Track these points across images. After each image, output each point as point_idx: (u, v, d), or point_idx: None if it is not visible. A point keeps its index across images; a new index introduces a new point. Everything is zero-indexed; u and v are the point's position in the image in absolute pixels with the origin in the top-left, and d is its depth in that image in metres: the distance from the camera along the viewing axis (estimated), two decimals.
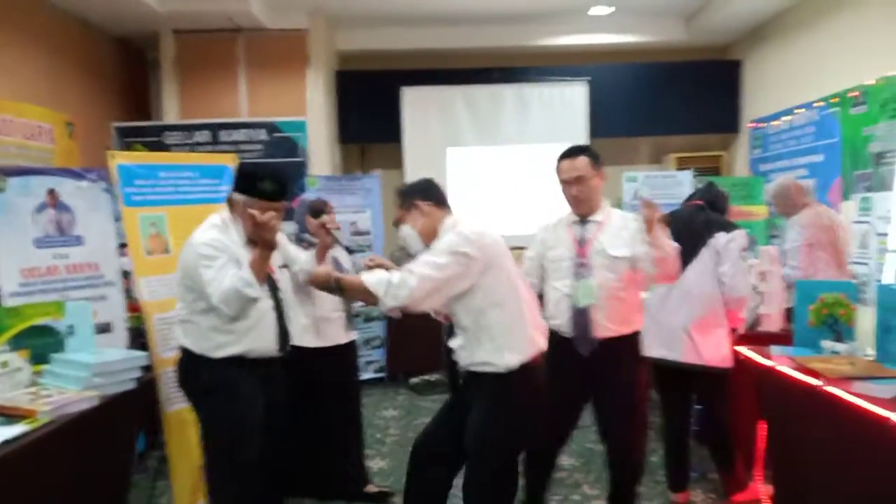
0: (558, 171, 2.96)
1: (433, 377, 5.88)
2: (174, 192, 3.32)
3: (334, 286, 2.45)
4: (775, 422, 3.07)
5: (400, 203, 2.60)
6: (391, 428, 4.83)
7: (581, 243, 2.90)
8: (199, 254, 2.53)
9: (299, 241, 3.55)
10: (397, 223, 2.62)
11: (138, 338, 3.40)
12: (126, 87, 7.14)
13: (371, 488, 3.69)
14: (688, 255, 3.34)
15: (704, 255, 3.29)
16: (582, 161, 2.89)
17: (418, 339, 5.79)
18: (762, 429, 3.25)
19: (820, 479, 2.67)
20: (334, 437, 3.55)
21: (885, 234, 4.34)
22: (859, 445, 2.37)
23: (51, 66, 5.79)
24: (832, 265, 4.22)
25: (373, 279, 2.36)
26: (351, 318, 3.64)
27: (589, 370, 2.87)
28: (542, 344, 2.55)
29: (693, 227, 3.34)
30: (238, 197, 2.65)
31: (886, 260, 4.13)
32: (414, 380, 5.90)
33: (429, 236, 2.52)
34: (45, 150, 5.39)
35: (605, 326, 2.83)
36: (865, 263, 4.81)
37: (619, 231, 2.88)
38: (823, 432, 2.58)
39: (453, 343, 2.57)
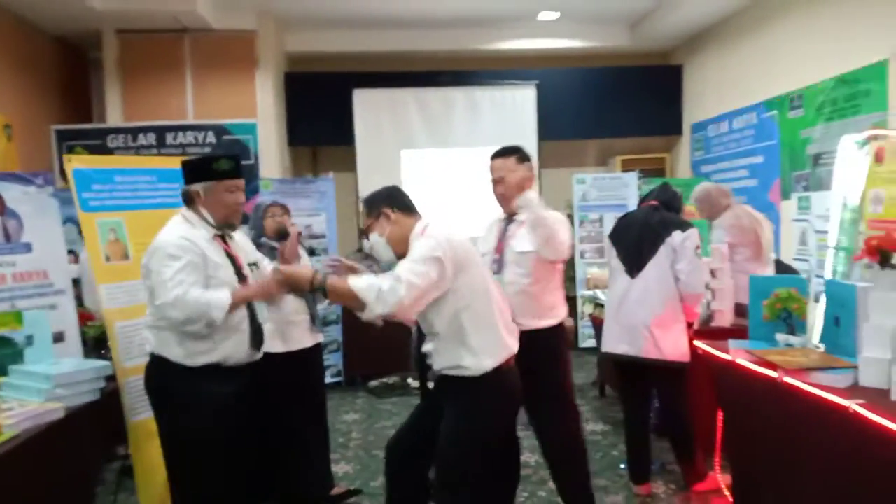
0: (489, 169, 3.10)
1: (391, 380, 5.88)
2: (132, 196, 3.23)
3: (319, 287, 2.37)
4: (733, 413, 3.19)
5: (367, 211, 2.56)
6: (353, 432, 4.80)
7: (501, 240, 3.04)
8: (166, 253, 2.45)
9: (257, 245, 3.49)
10: (365, 232, 2.59)
11: (98, 347, 3.28)
12: (66, 88, 6.90)
13: (336, 490, 3.67)
14: (646, 254, 3.45)
15: (661, 253, 3.40)
16: (507, 161, 3.03)
17: (375, 342, 5.77)
18: (720, 420, 3.37)
19: (778, 467, 2.79)
20: (302, 441, 3.51)
21: (824, 232, 4.56)
22: (818, 433, 2.49)
23: None
24: (752, 261, 4.39)
25: (362, 284, 2.31)
26: (316, 321, 3.61)
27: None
28: (513, 346, 2.55)
29: (650, 226, 3.45)
30: (198, 186, 2.59)
31: (827, 256, 4.32)
32: (373, 383, 5.87)
33: (399, 244, 2.49)
34: None
35: (518, 322, 2.76)
36: (806, 260, 5.04)
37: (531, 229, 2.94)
38: (782, 422, 2.70)
39: (425, 347, 2.56)
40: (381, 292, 2.27)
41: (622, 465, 3.90)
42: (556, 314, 3.06)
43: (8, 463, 2.11)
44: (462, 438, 2.45)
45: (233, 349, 2.55)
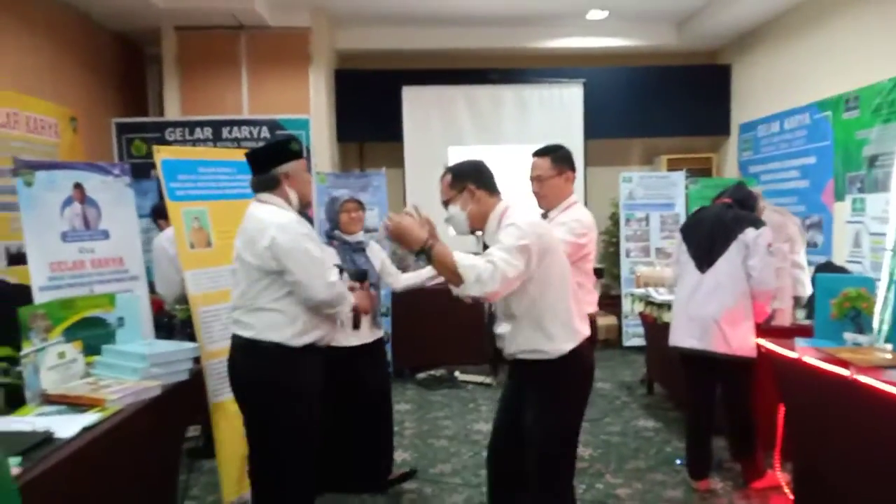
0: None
1: (438, 373, 5.97)
2: (214, 187, 3.35)
3: (425, 250, 2.38)
4: (798, 411, 3.21)
5: (451, 183, 2.56)
6: (406, 422, 4.90)
7: None
8: (302, 233, 2.55)
9: (330, 237, 3.60)
10: (446, 203, 2.57)
11: (184, 329, 3.42)
12: (124, 82, 7.09)
13: (393, 475, 3.79)
14: (717, 249, 3.48)
15: (733, 249, 3.43)
16: (543, 161, 3.13)
17: (422, 335, 5.89)
18: (780, 418, 3.39)
19: (845, 465, 2.81)
20: (369, 431, 3.61)
21: (879, 234, 4.55)
22: (890, 431, 2.51)
23: (53, 60, 5.75)
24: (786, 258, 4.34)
25: (467, 262, 2.33)
26: (377, 317, 3.69)
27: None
28: (586, 332, 2.57)
29: (723, 222, 3.48)
30: (285, 168, 2.64)
31: (884, 258, 4.30)
32: (421, 375, 5.98)
33: (477, 221, 2.53)
34: (50, 145, 5.36)
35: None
36: (859, 262, 5.03)
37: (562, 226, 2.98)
38: (852, 420, 2.72)
39: (499, 329, 2.58)
40: (480, 275, 2.28)
41: (678, 461, 3.94)
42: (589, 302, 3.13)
43: (112, 436, 2.22)
44: (545, 423, 2.47)
45: (331, 329, 2.70)
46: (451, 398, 5.48)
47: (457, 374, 5.95)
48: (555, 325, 2.46)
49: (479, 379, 5.88)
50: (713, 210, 3.60)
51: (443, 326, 5.67)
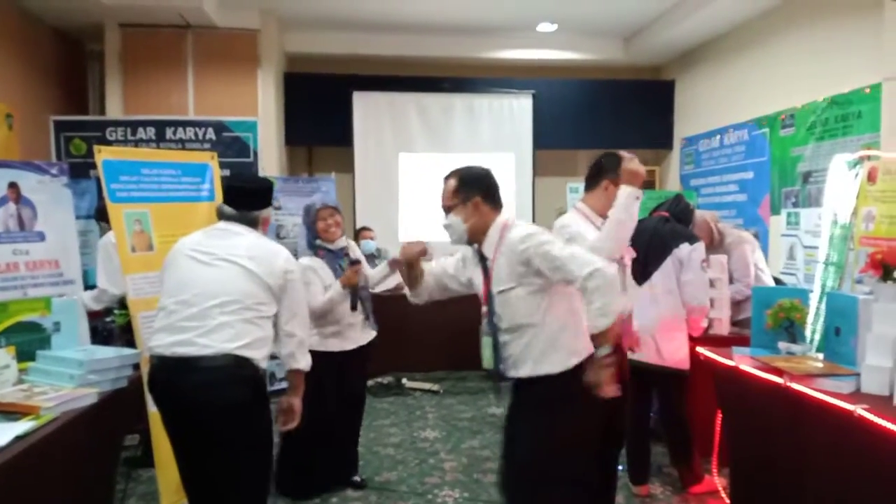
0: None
1: (385, 380, 5.94)
2: (157, 189, 3.27)
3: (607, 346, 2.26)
4: (734, 417, 3.31)
5: (456, 191, 2.45)
6: None
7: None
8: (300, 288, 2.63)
9: (314, 248, 3.58)
10: (447, 209, 2.48)
11: (123, 335, 3.32)
12: (64, 79, 6.86)
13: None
14: (653, 263, 3.57)
15: (668, 263, 3.52)
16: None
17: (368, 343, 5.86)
18: (717, 424, 3.50)
19: (780, 469, 2.91)
20: (349, 431, 3.81)
21: (812, 247, 4.74)
22: (822, 437, 2.61)
23: None
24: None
25: (602, 311, 2.22)
26: (370, 318, 3.73)
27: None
28: (591, 347, 2.38)
29: (659, 236, 3.57)
30: (266, 213, 2.66)
31: (817, 271, 4.48)
32: (369, 383, 5.92)
33: (475, 234, 2.46)
34: None
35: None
36: (793, 274, 5.23)
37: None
38: (786, 426, 2.82)
39: (506, 341, 2.44)
40: (600, 287, 2.20)
41: (620, 467, 4.00)
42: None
43: (45, 444, 2.14)
44: (542, 438, 2.36)
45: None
46: (398, 406, 5.46)
47: (404, 381, 5.94)
48: (567, 337, 2.38)
49: (427, 386, 5.88)
50: (650, 223, 3.69)
51: (389, 333, 5.63)
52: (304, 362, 2.62)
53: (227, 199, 2.61)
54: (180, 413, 2.40)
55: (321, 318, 3.47)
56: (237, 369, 2.33)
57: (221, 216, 2.59)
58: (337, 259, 3.58)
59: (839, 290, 3.64)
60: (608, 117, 7.90)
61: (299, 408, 2.63)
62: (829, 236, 3.98)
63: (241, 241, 2.51)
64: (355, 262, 3.56)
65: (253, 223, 2.59)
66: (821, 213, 4.28)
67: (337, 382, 3.54)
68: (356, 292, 3.58)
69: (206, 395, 2.30)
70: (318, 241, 3.56)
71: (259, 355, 2.41)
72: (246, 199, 2.58)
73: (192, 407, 2.34)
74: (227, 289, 2.38)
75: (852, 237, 3.77)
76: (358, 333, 3.64)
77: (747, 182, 6.50)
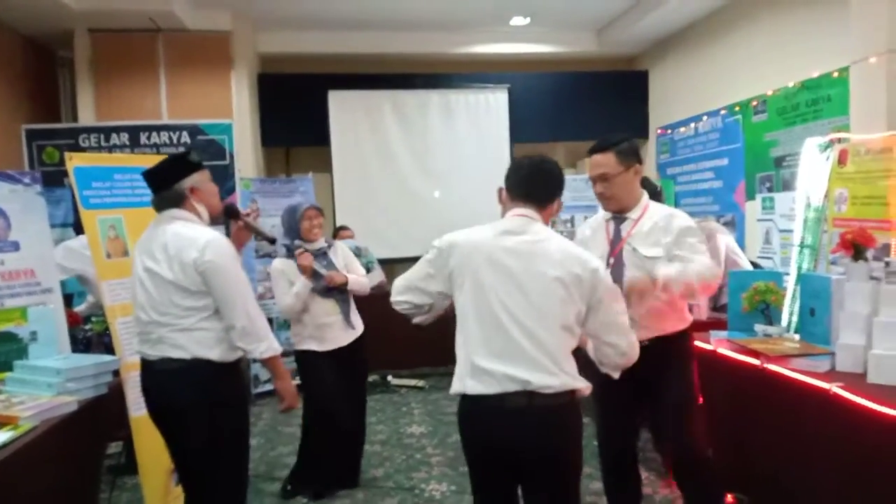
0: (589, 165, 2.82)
1: (371, 378, 5.94)
2: (131, 194, 3.25)
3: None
4: (715, 400, 3.35)
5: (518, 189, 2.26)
6: None
7: (614, 242, 2.71)
8: (234, 269, 2.47)
9: (290, 250, 3.59)
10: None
11: (101, 341, 3.30)
12: (35, 87, 6.77)
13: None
14: None
15: None
16: (608, 158, 2.69)
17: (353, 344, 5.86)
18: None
19: (760, 449, 2.96)
20: (343, 437, 3.76)
21: (787, 231, 4.81)
22: (799, 415, 2.66)
23: None
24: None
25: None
26: (349, 318, 3.71)
27: (632, 377, 2.53)
28: None
29: None
30: (190, 181, 2.53)
31: (792, 253, 4.55)
32: None
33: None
34: None
35: (643, 327, 2.59)
36: (770, 258, 5.30)
37: (653, 230, 2.66)
38: (765, 406, 2.87)
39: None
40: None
41: None
42: (684, 318, 2.77)
43: (25, 454, 2.14)
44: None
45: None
46: (385, 403, 5.47)
47: (390, 378, 5.95)
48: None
49: (412, 383, 5.89)
50: None
51: (374, 332, 5.64)
52: (259, 350, 2.47)
53: (150, 190, 2.57)
54: (150, 412, 2.56)
55: (297, 318, 3.52)
56: (185, 373, 2.41)
57: (155, 208, 2.57)
58: (317, 258, 3.60)
59: (814, 272, 3.71)
60: (584, 109, 7.93)
61: (287, 389, 2.60)
62: (803, 219, 4.04)
63: (161, 241, 2.44)
64: (298, 248, 3.54)
65: (177, 199, 2.51)
66: (795, 197, 4.36)
67: (322, 382, 3.53)
68: (320, 279, 3.56)
69: (158, 398, 2.48)
70: (298, 242, 3.58)
71: (213, 355, 2.43)
72: (154, 179, 2.55)
73: (151, 408, 2.54)
74: (155, 306, 2.43)
75: (826, 219, 3.83)
76: (336, 333, 3.64)
77: (722, 169, 6.57)
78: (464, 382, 2.09)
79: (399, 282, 2.28)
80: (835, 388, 2.44)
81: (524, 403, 1.99)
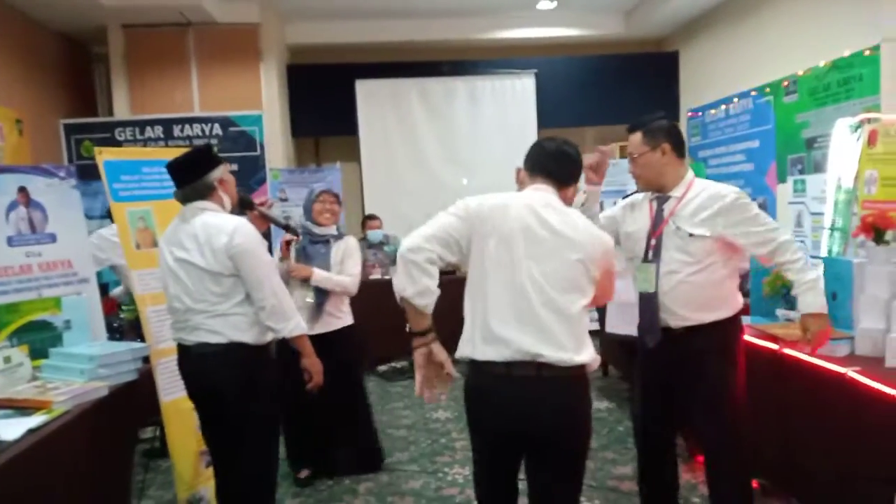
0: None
1: (399, 364, 6.03)
2: (159, 186, 3.35)
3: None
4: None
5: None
6: None
7: (656, 222, 2.64)
8: (261, 252, 2.60)
9: (289, 226, 3.61)
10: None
11: (133, 329, 3.43)
12: (71, 83, 6.98)
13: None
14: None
15: None
16: (634, 138, 2.67)
17: (382, 328, 5.92)
18: None
19: (778, 433, 2.95)
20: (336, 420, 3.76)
21: (819, 214, 4.72)
22: (817, 400, 2.65)
23: None
24: None
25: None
26: (320, 310, 3.65)
27: (667, 363, 2.62)
28: None
29: None
30: (217, 174, 2.63)
31: (822, 236, 4.48)
32: (382, 367, 6.04)
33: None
34: None
35: (677, 314, 2.56)
36: (802, 241, 5.21)
37: (699, 208, 2.55)
38: (783, 391, 2.86)
39: None
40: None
41: (631, 440, 4.06)
42: (729, 306, 2.62)
43: (59, 437, 2.24)
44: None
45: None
46: (411, 389, 5.52)
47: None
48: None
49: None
50: (641, 195, 3.68)
51: (402, 319, 5.69)
52: (288, 328, 2.58)
53: (175, 183, 2.65)
54: (189, 394, 2.70)
55: None
56: (222, 357, 2.53)
57: (180, 200, 2.65)
58: (310, 241, 3.62)
59: (843, 256, 3.65)
60: (612, 93, 7.86)
61: (314, 366, 2.74)
62: (833, 202, 3.98)
63: (190, 231, 2.54)
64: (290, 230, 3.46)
65: (205, 191, 2.61)
66: (826, 179, 4.29)
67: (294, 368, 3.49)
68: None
69: (197, 381, 2.61)
70: (309, 223, 3.61)
71: (248, 338, 2.56)
72: (183, 172, 2.62)
73: (191, 391, 2.67)
74: (190, 295, 2.54)
75: (856, 201, 3.76)
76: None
77: (753, 151, 6.44)
78: (474, 346, 2.08)
79: (422, 231, 2.08)
80: (851, 373, 2.42)
81: (532, 373, 2.00)
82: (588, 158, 2.70)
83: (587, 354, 2.05)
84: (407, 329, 2.16)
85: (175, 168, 2.64)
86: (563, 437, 2.07)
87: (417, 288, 2.03)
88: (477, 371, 2.10)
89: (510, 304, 2.03)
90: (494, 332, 2.03)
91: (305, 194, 3.77)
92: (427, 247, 2.05)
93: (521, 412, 2.03)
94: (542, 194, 2.16)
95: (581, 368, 2.05)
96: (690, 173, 2.68)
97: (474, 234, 2.09)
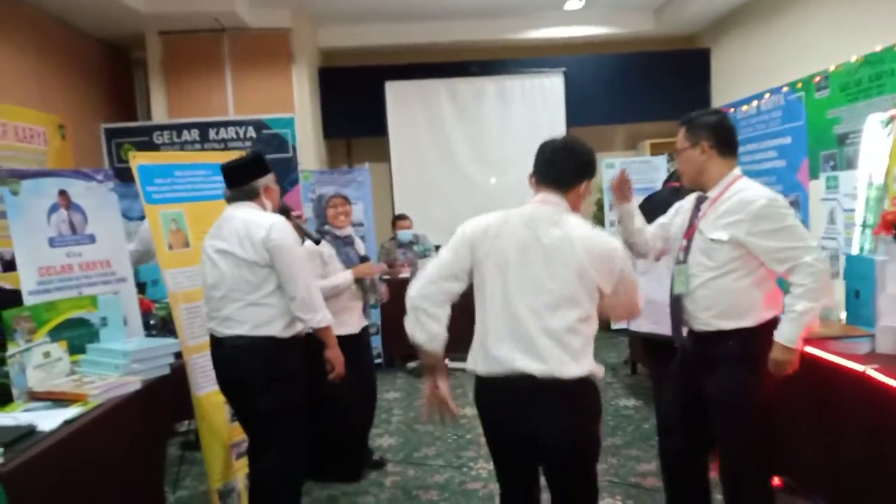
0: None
1: None
2: (191, 189, 3.48)
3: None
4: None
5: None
6: (395, 409, 5.06)
7: (691, 222, 2.58)
8: (295, 247, 2.78)
9: (321, 233, 3.74)
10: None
11: (166, 326, 3.56)
12: (111, 87, 7.21)
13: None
14: None
15: None
16: (680, 132, 2.61)
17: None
18: None
19: (799, 430, 2.94)
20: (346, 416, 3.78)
21: (851, 210, 4.66)
22: (837, 397, 2.64)
23: (37, 67, 5.85)
24: None
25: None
26: (367, 309, 3.88)
27: (692, 365, 2.59)
28: None
29: (671, 206, 3.56)
30: (265, 180, 2.87)
31: (854, 233, 4.42)
32: (411, 364, 6.12)
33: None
34: (39, 153, 5.49)
35: (698, 318, 2.52)
36: (834, 238, 5.14)
37: (726, 212, 2.44)
38: (804, 388, 2.84)
39: None
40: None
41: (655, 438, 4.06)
42: (756, 315, 2.45)
43: (93, 429, 2.36)
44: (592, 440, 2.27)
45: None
46: None
47: (446, 361, 6.08)
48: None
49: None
50: (663, 194, 3.68)
51: None
52: (316, 319, 2.75)
53: (226, 184, 2.88)
54: (220, 383, 2.87)
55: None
56: (250, 349, 2.70)
57: (227, 200, 2.87)
58: (341, 244, 3.74)
59: (874, 253, 3.60)
60: (642, 90, 7.83)
61: (336, 357, 2.89)
62: (865, 198, 3.93)
63: (232, 225, 2.74)
64: (364, 258, 3.81)
65: (253, 193, 2.84)
66: (858, 175, 4.23)
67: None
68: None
69: (227, 370, 2.78)
70: (327, 227, 3.75)
71: (274, 330, 2.72)
72: (234, 175, 2.85)
73: (221, 379, 2.85)
74: (226, 282, 2.73)
75: (888, 197, 3.72)
76: (351, 319, 3.72)
77: (785, 147, 6.36)
78: (476, 362, 2.19)
79: (427, 273, 2.19)
80: (869, 371, 2.41)
81: (529, 386, 2.05)
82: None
83: (584, 367, 2.08)
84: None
85: (228, 170, 2.87)
86: (565, 449, 2.11)
87: (425, 335, 2.17)
88: (481, 384, 2.20)
89: (505, 324, 2.10)
90: (492, 352, 2.12)
91: (314, 203, 3.92)
92: (433, 290, 2.17)
93: (521, 425, 2.10)
94: (544, 209, 2.16)
95: (580, 381, 2.07)
96: (734, 173, 2.53)
97: (474, 257, 2.18)
